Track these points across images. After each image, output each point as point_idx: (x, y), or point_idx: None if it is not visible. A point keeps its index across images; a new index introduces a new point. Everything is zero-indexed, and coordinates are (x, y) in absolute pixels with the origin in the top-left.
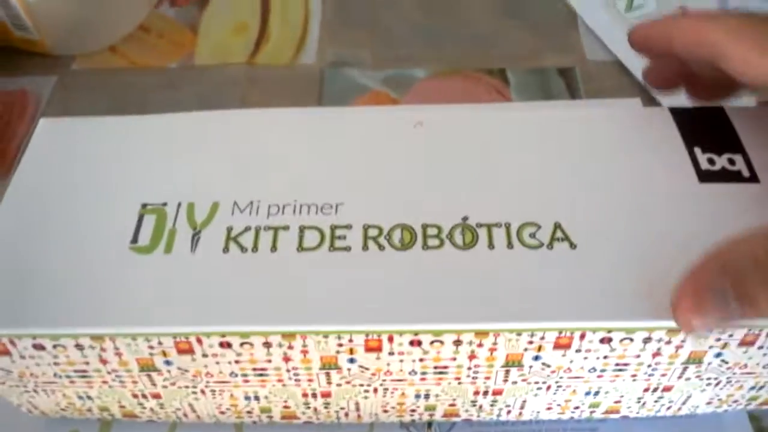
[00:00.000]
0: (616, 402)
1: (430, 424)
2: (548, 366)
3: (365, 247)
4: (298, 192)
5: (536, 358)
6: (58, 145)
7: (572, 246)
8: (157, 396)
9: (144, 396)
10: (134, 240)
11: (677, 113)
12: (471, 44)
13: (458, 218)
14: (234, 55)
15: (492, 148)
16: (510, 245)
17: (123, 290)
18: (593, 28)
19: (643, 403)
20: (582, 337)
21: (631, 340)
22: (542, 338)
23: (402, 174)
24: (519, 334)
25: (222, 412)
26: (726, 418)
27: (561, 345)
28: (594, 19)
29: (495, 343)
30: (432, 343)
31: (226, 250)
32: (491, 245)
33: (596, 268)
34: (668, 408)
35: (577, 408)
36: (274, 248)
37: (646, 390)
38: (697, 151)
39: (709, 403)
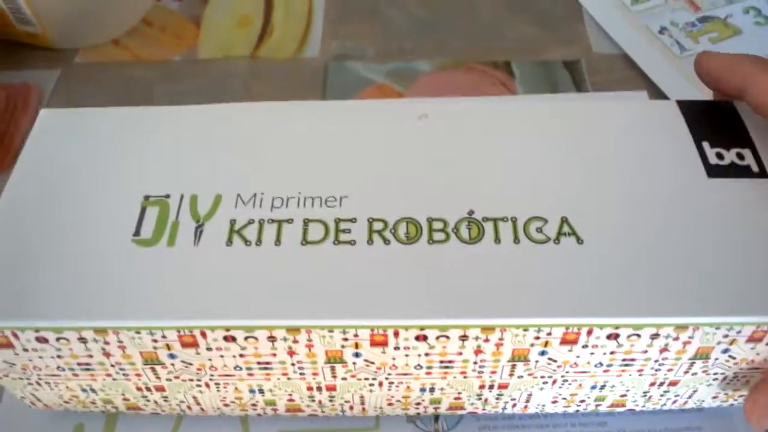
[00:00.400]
0: (622, 396)
1: (437, 418)
2: (554, 361)
3: (370, 241)
4: (302, 185)
5: (542, 353)
6: (59, 137)
7: (579, 241)
8: (161, 389)
9: (148, 389)
10: (137, 232)
11: (685, 106)
12: (476, 37)
13: (464, 212)
14: (237, 48)
15: (497, 141)
16: (516, 240)
17: (126, 283)
18: (599, 21)
19: (649, 397)
20: (589, 333)
21: (639, 336)
22: (549, 334)
23: (407, 167)
24: (525, 330)
25: (226, 405)
26: (734, 411)
27: (568, 341)
28: (600, 12)
29: (501, 339)
30: (438, 338)
31: (229, 243)
32: (497, 240)
33: (603, 263)
34: (674, 402)
35: (582, 402)
36: (278, 242)
37: (652, 384)
38: (705, 145)
39: (715, 398)
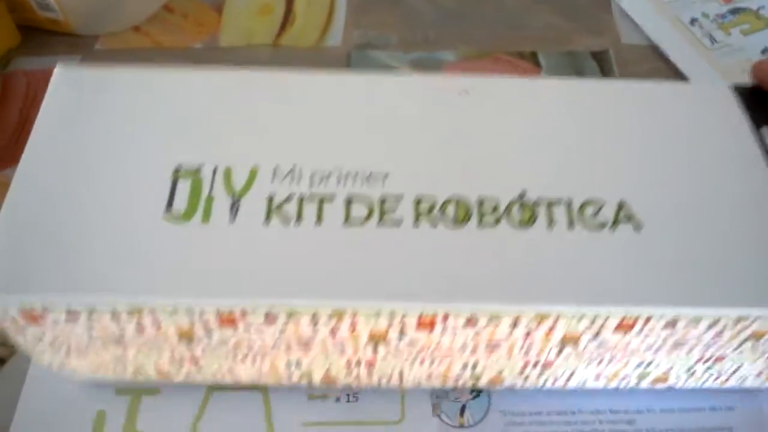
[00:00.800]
0: (665, 373)
1: (462, 411)
2: (605, 343)
3: (416, 223)
4: (342, 159)
5: (595, 337)
6: (77, 99)
7: (637, 227)
8: (195, 361)
9: (181, 359)
10: (169, 207)
11: (741, 91)
12: (501, 27)
13: (515, 193)
14: (259, 36)
15: (546, 118)
16: (571, 225)
17: (162, 261)
18: (628, 11)
19: (692, 373)
20: (646, 321)
21: (697, 325)
22: (604, 322)
23: (451, 143)
24: (580, 318)
25: (261, 376)
26: (765, 416)
27: (623, 327)
28: (629, 2)
29: (553, 325)
30: (488, 322)
31: (267, 221)
32: (551, 224)
33: (662, 251)
34: (716, 378)
35: (624, 378)
36: (319, 220)
37: (698, 360)
38: (765, 131)
39: (759, 375)
